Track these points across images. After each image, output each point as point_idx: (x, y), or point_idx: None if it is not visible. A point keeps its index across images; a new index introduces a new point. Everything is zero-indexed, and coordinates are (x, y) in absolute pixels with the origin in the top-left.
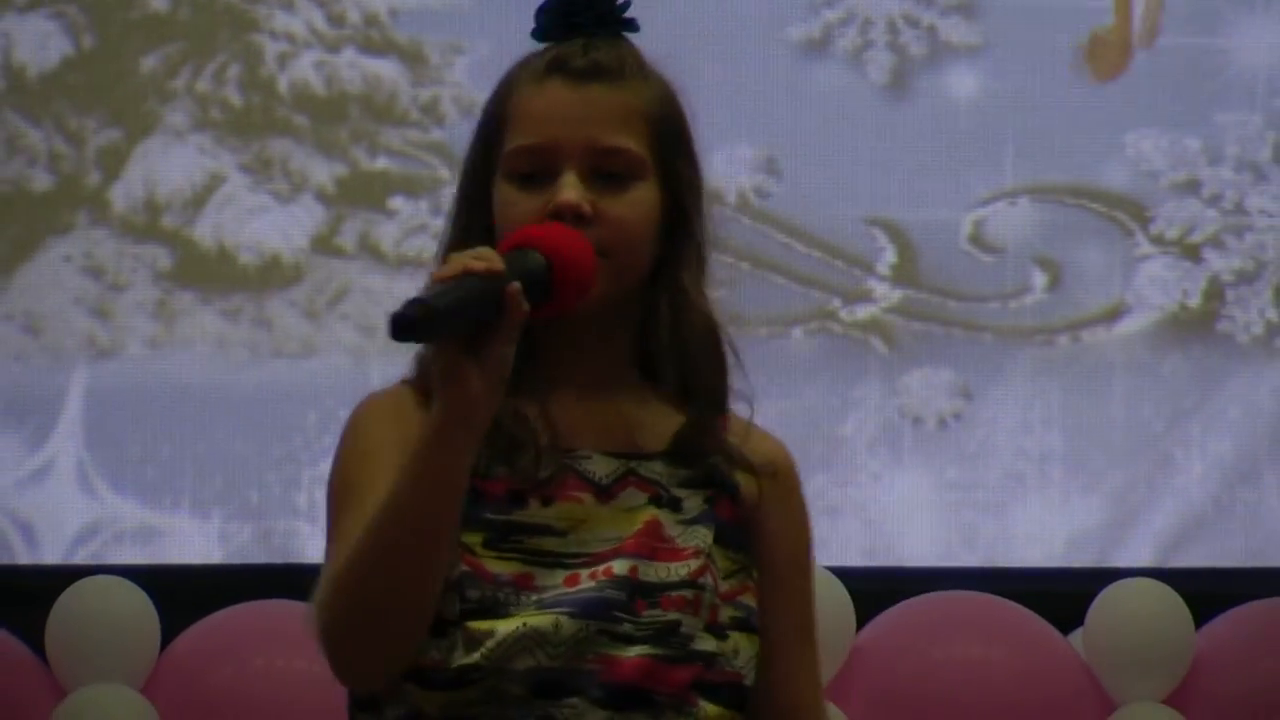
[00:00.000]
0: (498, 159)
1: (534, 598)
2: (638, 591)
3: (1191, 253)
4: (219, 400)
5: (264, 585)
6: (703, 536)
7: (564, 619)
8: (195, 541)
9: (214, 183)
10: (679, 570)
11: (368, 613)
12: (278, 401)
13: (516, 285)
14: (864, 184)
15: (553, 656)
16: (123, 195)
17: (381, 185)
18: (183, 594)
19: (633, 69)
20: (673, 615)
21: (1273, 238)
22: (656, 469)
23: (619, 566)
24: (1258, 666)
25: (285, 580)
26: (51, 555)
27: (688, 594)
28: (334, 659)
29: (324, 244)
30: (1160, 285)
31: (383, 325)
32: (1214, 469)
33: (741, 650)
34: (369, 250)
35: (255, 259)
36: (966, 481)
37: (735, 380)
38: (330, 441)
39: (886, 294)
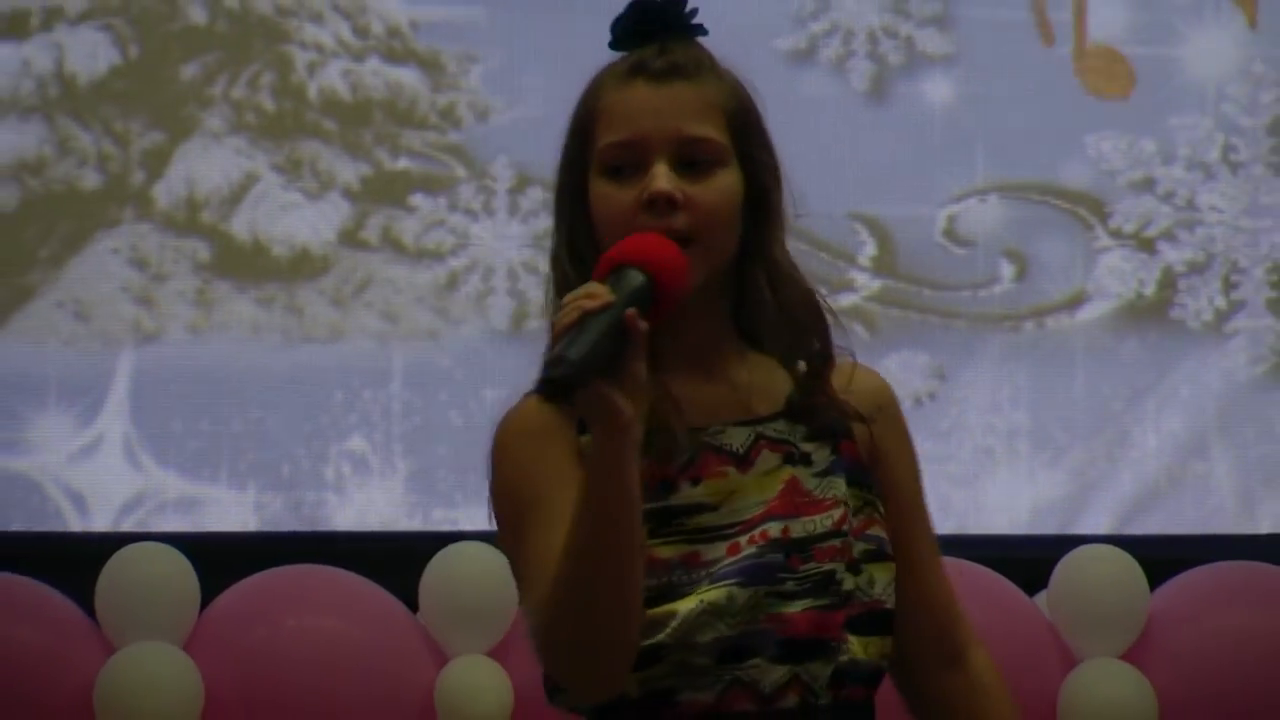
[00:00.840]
0: (591, 157)
1: (704, 573)
2: (792, 549)
3: (1147, 245)
4: (254, 381)
5: (295, 551)
6: (839, 486)
7: (735, 589)
8: (232, 511)
9: (249, 181)
10: (824, 522)
11: (584, 631)
12: (308, 382)
13: (633, 311)
14: (847, 182)
15: (731, 625)
16: (165, 193)
17: (403, 184)
18: (221, 559)
19: (707, 67)
20: (827, 566)
21: (1221, 232)
22: (780, 428)
23: (773, 529)
24: (1207, 625)
25: (314, 546)
26: (101, 523)
27: (836, 543)
28: (569, 677)
29: (350, 237)
30: (1118, 275)
31: (404, 312)
32: (1167, 444)
33: (877, 579)
34: (391, 243)
35: (287, 251)
36: (941, 455)
37: (837, 335)
38: (356, 419)
39: (867, 283)
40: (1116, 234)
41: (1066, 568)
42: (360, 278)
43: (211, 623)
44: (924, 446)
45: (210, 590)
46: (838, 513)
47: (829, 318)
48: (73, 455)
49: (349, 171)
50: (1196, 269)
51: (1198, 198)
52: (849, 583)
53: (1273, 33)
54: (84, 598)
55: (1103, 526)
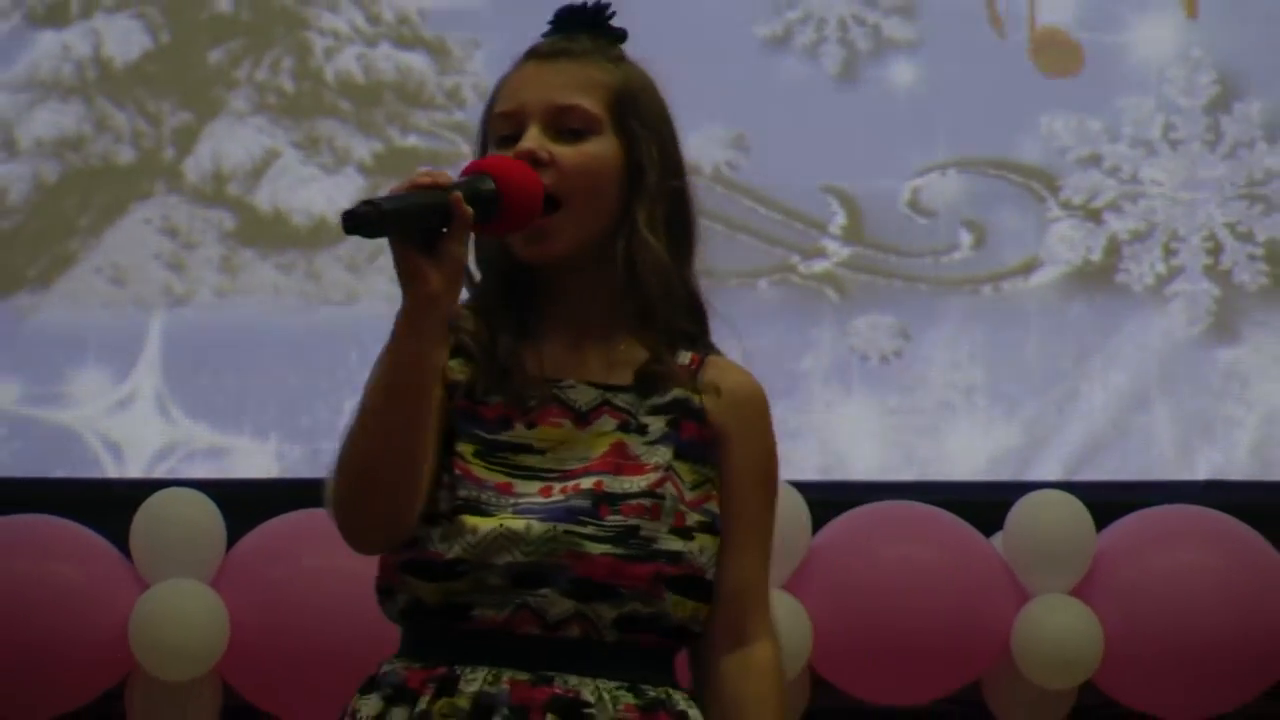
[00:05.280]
0: (489, 132)
1: (511, 502)
2: (602, 500)
3: (1094, 216)
4: (276, 340)
5: (313, 496)
6: (663, 454)
7: (534, 522)
8: (256, 459)
9: (271, 157)
10: (640, 482)
11: (365, 479)
12: (325, 342)
13: (458, 194)
14: (819, 158)
15: (526, 553)
16: (194, 168)
17: (412, 159)
18: (245, 503)
19: (599, 53)
20: (633, 520)
21: (1162, 203)
22: (628, 399)
23: (585, 482)
24: (1149, 563)
25: None
26: (135, 470)
27: (646, 502)
28: (342, 524)
29: None
30: (1068, 243)
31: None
32: (1113, 398)
33: (705, 549)
34: None
35: (306, 221)
36: (905, 408)
37: (713, 321)
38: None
39: (838, 251)
40: (1066, 205)
41: (1020, 511)
42: (373, 246)
43: (236, 561)
44: (890, 401)
45: (235, 531)
46: (655, 476)
47: (680, 294)
48: (110, 408)
49: (363, 148)
50: (1139, 237)
51: (1140, 172)
52: (674, 544)
53: (1209, 20)
54: (120, 538)
55: (1053, 473)
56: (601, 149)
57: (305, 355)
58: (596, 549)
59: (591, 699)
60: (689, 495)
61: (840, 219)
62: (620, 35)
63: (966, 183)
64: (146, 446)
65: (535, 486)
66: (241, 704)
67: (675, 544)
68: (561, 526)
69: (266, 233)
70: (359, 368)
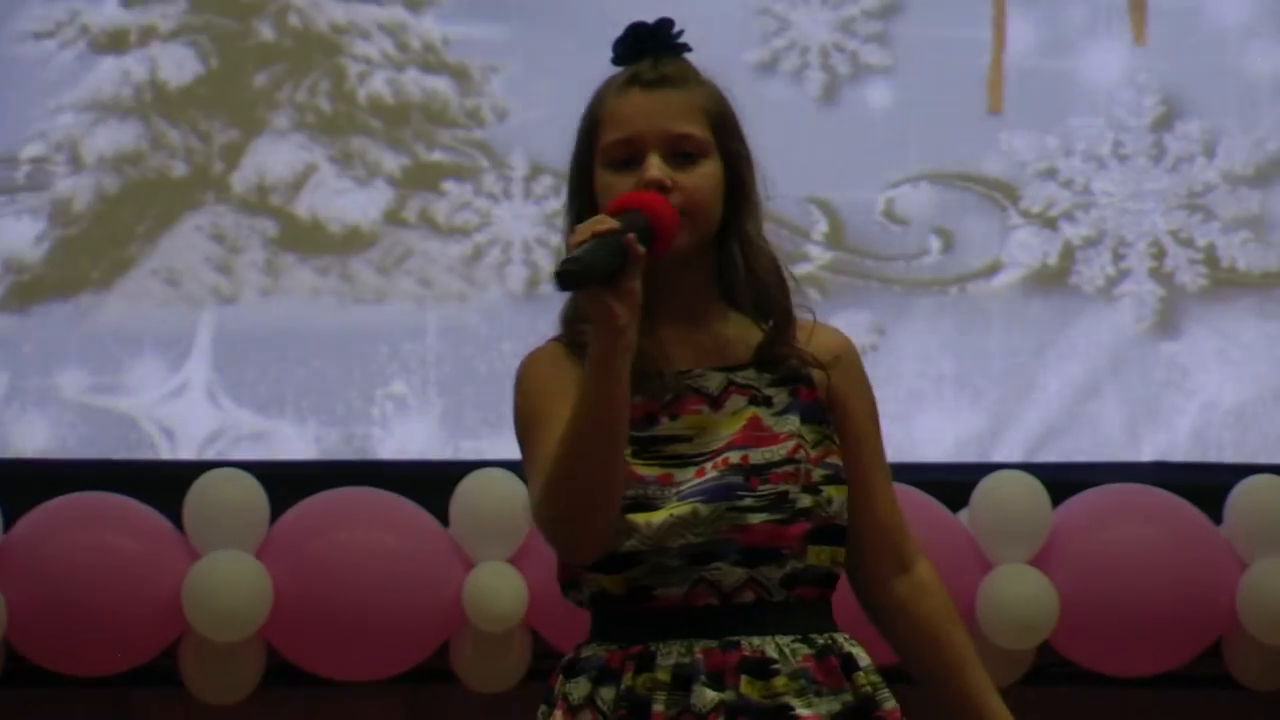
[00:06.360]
0: (596, 154)
1: (674, 491)
2: (752, 472)
3: (1050, 224)
4: (314, 336)
5: (348, 476)
6: (793, 423)
7: (700, 505)
8: (296, 442)
9: (309, 170)
10: (779, 451)
11: (573, 499)
12: (358, 337)
13: (632, 235)
14: (803, 171)
15: (697, 534)
16: (240, 180)
17: (436, 173)
18: (287, 482)
19: (691, 77)
20: (782, 486)
21: (1111, 213)
22: (750, 375)
23: (733, 456)
24: (1100, 536)
25: (363, 473)
26: (187, 452)
27: (790, 468)
28: (558, 540)
29: (393, 217)
30: (1027, 248)
31: (437, 279)
32: (1067, 388)
33: (834, 499)
34: (427, 222)
35: (341, 228)
36: (880, 397)
37: (797, 298)
38: (398, 368)
39: (820, 255)
40: (1026, 214)
41: (983, 489)
42: (401, 251)
43: (279, 535)
44: None
45: (278, 507)
46: (791, 444)
47: (790, 283)
48: (164, 396)
49: (392, 162)
50: (1091, 243)
51: (1092, 184)
52: (806, 501)
53: (1155, 48)
54: (173, 514)
55: (1014, 455)
56: (712, 169)
57: (340, 349)
58: (756, 518)
59: (775, 655)
60: (813, 454)
61: (822, 226)
62: (689, 49)
63: (936, 194)
64: (197, 431)
65: (691, 471)
66: (283, 664)
67: (807, 501)
68: (723, 505)
69: (305, 239)
70: (388, 360)
